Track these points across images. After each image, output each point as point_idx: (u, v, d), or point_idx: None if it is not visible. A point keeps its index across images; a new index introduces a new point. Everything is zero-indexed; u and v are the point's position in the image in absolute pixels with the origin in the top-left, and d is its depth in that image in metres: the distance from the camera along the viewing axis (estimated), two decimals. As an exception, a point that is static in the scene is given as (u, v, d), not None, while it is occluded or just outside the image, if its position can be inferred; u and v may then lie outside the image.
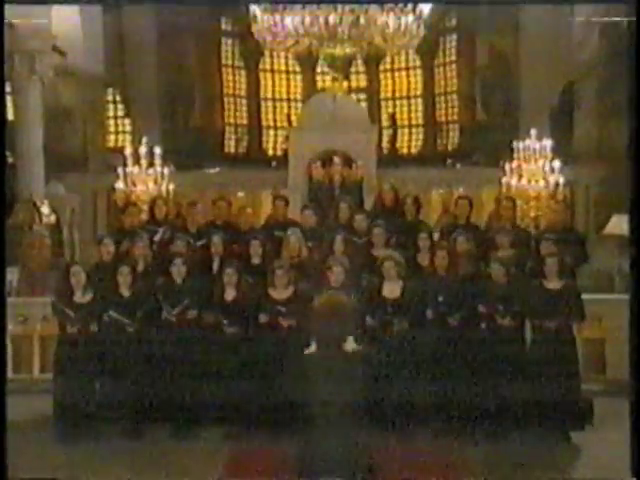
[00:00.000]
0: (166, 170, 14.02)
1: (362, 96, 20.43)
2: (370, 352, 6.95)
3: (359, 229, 9.09)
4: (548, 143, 14.19)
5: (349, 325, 4.43)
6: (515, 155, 14.31)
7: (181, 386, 8.07)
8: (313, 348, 4.51)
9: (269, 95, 20.74)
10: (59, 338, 8.27)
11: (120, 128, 19.52)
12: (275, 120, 20.65)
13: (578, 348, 8.39)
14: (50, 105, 15.89)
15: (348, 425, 4.36)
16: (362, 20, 13.42)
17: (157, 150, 13.99)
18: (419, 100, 20.58)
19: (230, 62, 20.46)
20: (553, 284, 8.06)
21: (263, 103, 20.69)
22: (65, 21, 15.75)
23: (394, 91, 20.78)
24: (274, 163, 19.43)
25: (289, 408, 7.26)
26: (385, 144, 19.70)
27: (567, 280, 8.19)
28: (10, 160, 14.33)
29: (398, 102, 20.73)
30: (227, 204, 9.98)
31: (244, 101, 20.57)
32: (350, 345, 4.56)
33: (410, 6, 13.65)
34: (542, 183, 13.88)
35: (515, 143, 14.47)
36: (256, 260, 8.66)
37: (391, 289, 8.11)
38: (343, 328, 4.38)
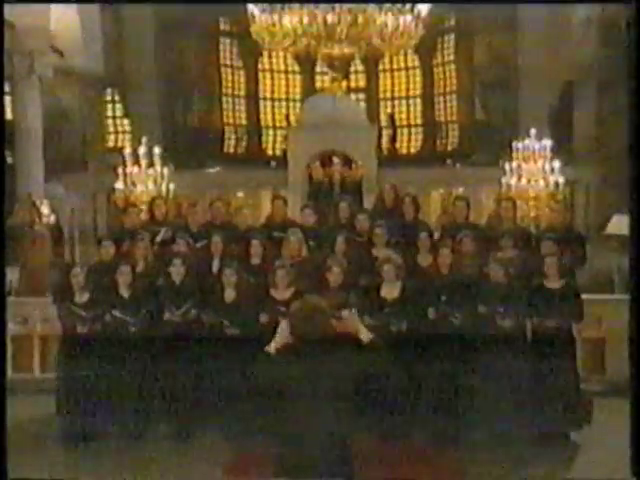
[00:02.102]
0: (165, 170, 14.01)
1: (361, 96, 20.47)
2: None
3: (360, 229, 9.08)
4: (548, 143, 14.20)
5: (327, 328, 4.41)
6: (515, 155, 14.32)
7: (181, 386, 8.07)
8: (272, 348, 4.49)
9: (268, 95, 20.76)
10: (61, 338, 8.27)
11: (119, 128, 19.53)
12: (274, 120, 20.66)
13: (578, 348, 8.39)
14: (49, 105, 15.88)
15: (332, 429, 4.35)
16: (360, 20, 13.43)
17: (156, 150, 13.98)
18: (418, 100, 20.61)
19: (229, 62, 20.47)
20: (553, 284, 8.06)
21: (262, 103, 20.71)
22: (64, 21, 15.73)
23: (393, 91, 20.80)
24: (273, 163, 19.45)
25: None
26: (384, 144, 19.70)
27: (567, 280, 8.19)
28: (9, 160, 14.32)
29: (397, 102, 20.77)
30: (225, 204, 9.97)
31: (243, 101, 20.58)
32: (365, 336, 4.53)
33: (408, 6, 13.67)
34: (542, 183, 13.88)
35: (514, 143, 14.48)
36: (256, 260, 8.65)
37: (390, 290, 8.10)
38: (320, 332, 4.35)
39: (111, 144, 19.21)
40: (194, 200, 10.74)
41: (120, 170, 13.94)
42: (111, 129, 19.55)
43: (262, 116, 20.67)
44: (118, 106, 19.54)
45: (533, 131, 14.33)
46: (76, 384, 8.03)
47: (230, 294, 8.19)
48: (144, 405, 8.15)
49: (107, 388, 8.13)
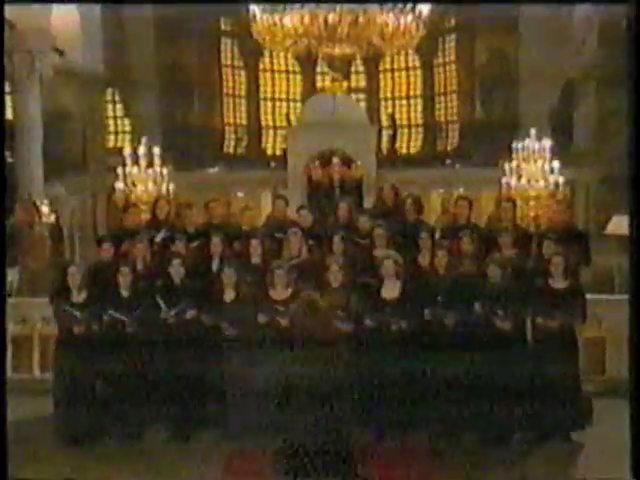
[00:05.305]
0: (165, 170, 13.99)
1: (361, 96, 20.49)
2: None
3: (361, 229, 9.07)
4: (548, 143, 14.17)
5: (326, 323, 4.46)
6: (514, 155, 14.29)
7: (181, 386, 8.06)
8: None
9: (268, 95, 20.77)
10: (57, 339, 8.27)
11: (119, 128, 19.54)
12: (274, 120, 20.67)
13: (579, 348, 8.38)
14: (49, 105, 15.87)
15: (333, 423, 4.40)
16: (361, 20, 13.41)
17: (156, 150, 13.96)
18: (418, 100, 20.62)
19: (230, 62, 20.49)
20: (558, 284, 8.03)
21: (262, 103, 20.72)
22: (65, 21, 15.75)
23: (393, 91, 20.81)
24: (273, 163, 19.45)
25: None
26: (384, 144, 19.70)
27: (572, 280, 8.16)
28: (9, 160, 14.32)
29: (397, 102, 20.77)
30: (223, 204, 9.95)
31: (243, 101, 20.59)
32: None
33: (409, 6, 13.65)
34: (542, 183, 13.86)
35: (515, 143, 14.45)
36: (256, 260, 8.64)
37: (390, 290, 8.09)
38: (320, 326, 4.40)
39: (111, 144, 19.21)
40: (189, 201, 10.68)
41: (120, 170, 13.92)
42: (111, 129, 19.55)
43: (262, 116, 20.68)
44: (118, 106, 19.54)
45: (533, 131, 14.29)
46: (73, 384, 8.04)
47: (230, 294, 8.18)
48: (143, 405, 8.14)
49: (105, 388, 8.14)
